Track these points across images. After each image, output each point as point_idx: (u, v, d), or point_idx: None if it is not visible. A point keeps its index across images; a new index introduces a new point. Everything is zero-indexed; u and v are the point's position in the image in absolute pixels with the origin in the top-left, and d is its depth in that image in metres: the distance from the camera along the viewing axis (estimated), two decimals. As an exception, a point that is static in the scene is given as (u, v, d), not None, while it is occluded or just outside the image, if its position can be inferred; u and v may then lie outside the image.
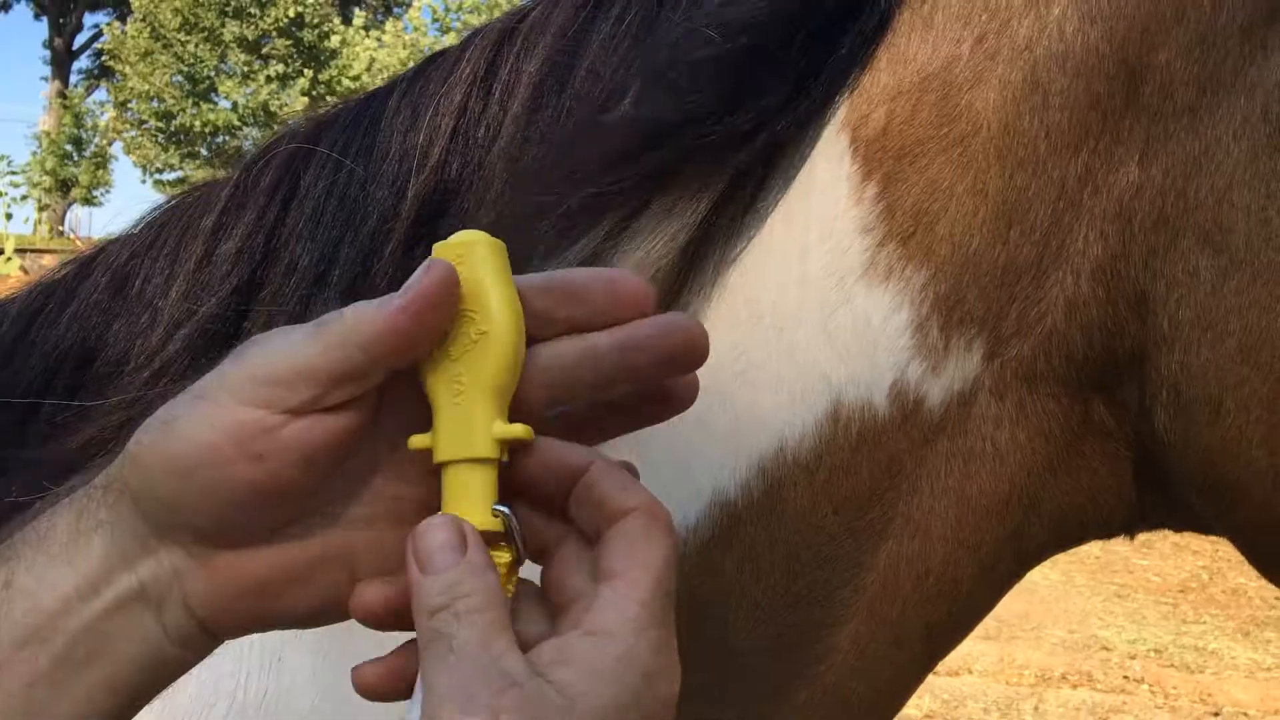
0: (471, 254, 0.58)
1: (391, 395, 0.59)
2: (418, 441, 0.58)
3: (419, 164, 0.85)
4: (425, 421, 0.59)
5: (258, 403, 0.54)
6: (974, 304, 0.77)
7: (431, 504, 0.58)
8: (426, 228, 0.83)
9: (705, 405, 0.76)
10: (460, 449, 0.57)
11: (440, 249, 0.59)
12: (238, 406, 0.55)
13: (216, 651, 0.75)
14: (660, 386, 0.61)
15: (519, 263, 0.74)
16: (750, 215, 0.79)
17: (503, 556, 0.57)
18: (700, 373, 0.76)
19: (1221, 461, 0.76)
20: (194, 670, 0.61)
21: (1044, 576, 7.89)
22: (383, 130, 0.88)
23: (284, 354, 0.55)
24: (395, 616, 0.58)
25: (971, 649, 6.56)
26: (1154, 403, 0.77)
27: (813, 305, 0.78)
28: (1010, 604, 7.64)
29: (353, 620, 0.75)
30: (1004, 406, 0.79)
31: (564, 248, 0.76)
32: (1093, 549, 9.03)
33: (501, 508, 0.57)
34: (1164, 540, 9.03)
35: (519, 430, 0.57)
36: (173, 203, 0.97)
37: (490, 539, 0.57)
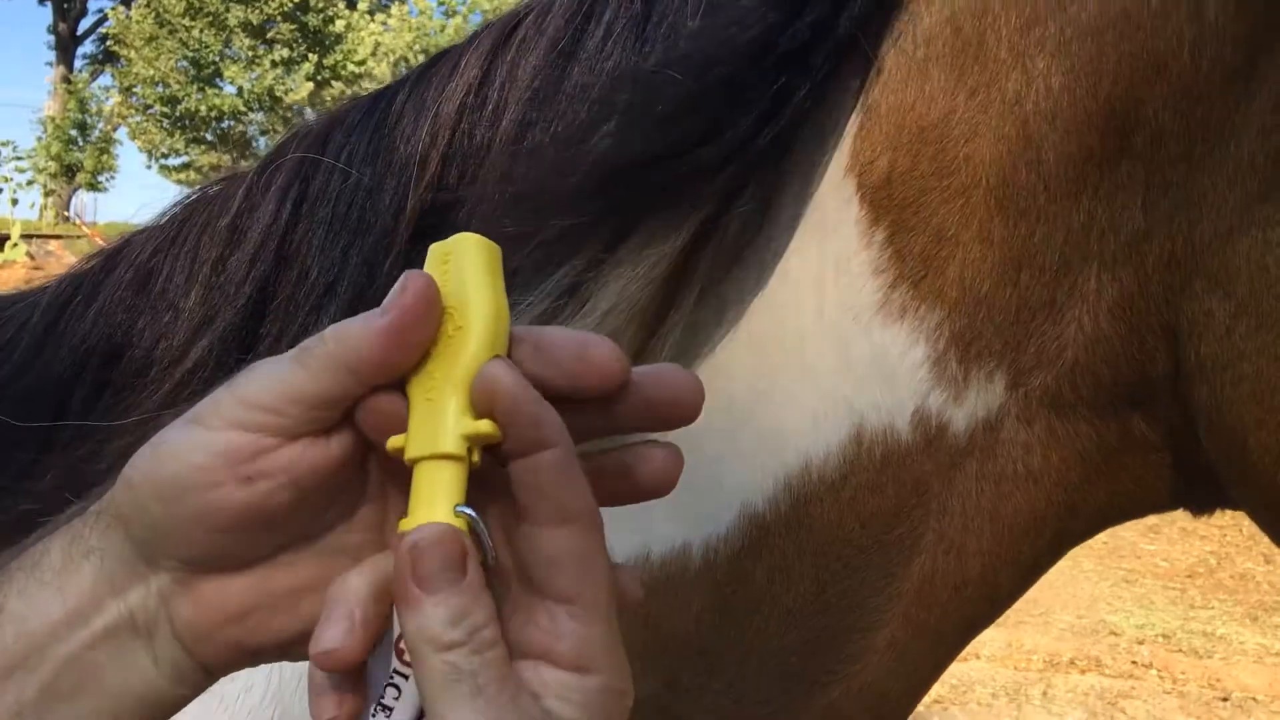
0: (459, 251, 0.58)
1: None
2: (395, 441, 0.56)
3: (416, 176, 0.86)
4: None
5: (249, 427, 0.54)
6: (991, 340, 0.78)
7: None
8: (425, 241, 0.83)
9: (730, 422, 0.79)
10: (428, 445, 0.55)
11: (434, 248, 0.59)
12: (229, 430, 0.54)
13: None
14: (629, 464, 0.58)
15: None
16: (755, 248, 0.80)
17: None
18: (724, 392, 0.77)
19: (1262, 486, 0.76)
20: None
21: (1051, 561, 7.87)
22: (386, 135, 0.89)
23: (274, 379, 0.55)
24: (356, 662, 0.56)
25: (979, 635, 6.55)
26: (1196, 423, 0.78)
27: (831, 336, 0.80)
28: (1018, 589, 7.64)
29: None
30: (1033, 431, 0.80)
31: (540, 279, 0.76)
32: (1100, 534, 9.01)
33: (466, 510, 0.54)
34: (1171, 525, 9.02)
35: (485, 427, 0.54)
36: (194, 197, 0.97)
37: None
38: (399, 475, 0.57)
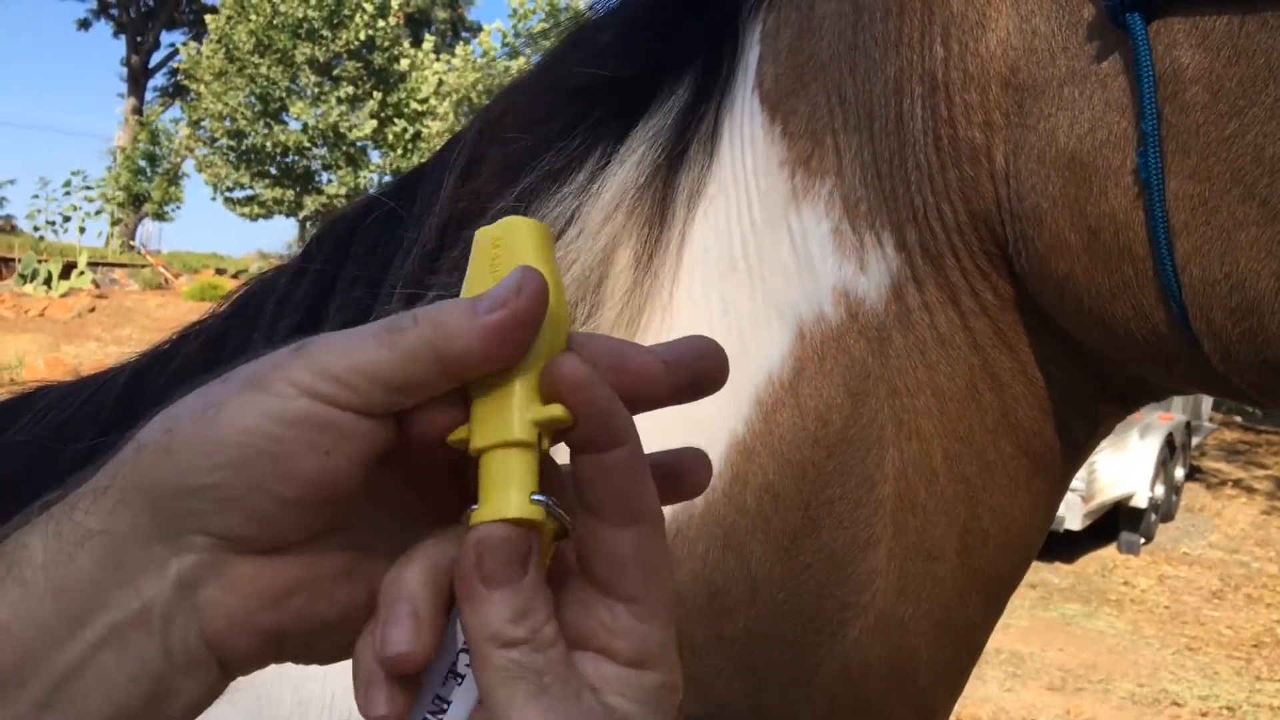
0: (511, 235, 0.57)
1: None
2: (457, 434, 0.55)
3: (441, 207, 0.95)
4: None
5: (325, 398, 0.50)
6: (870, 199, 0.89)
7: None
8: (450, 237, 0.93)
9: None
10: (496, 434, 0.54)
11: (482, 233, 0.58)
12: (302, 398, 0.50)
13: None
14: (674, 467, 0.59)
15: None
16: (705, 180, 0.94)
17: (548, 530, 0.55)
18: (700, 327, 0.89)
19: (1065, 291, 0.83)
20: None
21: (1110, 626, 7.70)
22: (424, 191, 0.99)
23: (353, 354, 0.51)
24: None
25: (1036, 700, 6.40)
26: (1019, 245, 0.85)
27: (766, 243, 0.91)
28: (1076, 654, 7.48)
29: None
30: (928, 291, 0.88)
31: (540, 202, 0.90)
32: (1160, 598, 8.80)
33: (541, 497, 0.53)
34: (1236, 592, 8.78)
35: (557, 411, 0.53)
36: (254, 283, 1.08)
37: (529, 527, 0.54)
38: (438, 465, 0.57)
